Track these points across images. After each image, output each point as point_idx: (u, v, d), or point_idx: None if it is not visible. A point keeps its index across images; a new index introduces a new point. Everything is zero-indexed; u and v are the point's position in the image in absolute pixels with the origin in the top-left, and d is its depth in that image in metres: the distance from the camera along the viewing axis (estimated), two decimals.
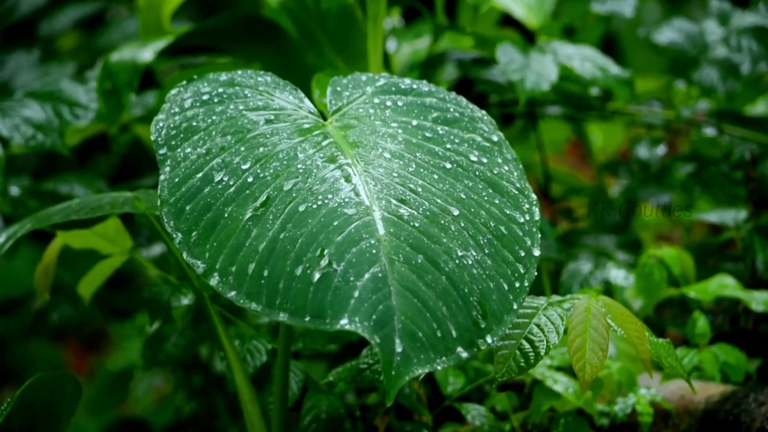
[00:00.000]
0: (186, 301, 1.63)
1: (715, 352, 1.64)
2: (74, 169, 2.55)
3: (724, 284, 1.74)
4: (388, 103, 1.41)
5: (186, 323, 1.80)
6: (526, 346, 1.30)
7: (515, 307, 1.25)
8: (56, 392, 1.45)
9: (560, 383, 1.54)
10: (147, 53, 1.88)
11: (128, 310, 2.52)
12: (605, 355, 1.28)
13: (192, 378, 2.17)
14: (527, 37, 2.28)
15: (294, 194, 1.25)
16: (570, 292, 1.85)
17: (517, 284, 1.26)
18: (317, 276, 1.19)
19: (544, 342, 1.30)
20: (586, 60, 1.99)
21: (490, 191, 1.33)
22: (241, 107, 1.36)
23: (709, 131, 2.19)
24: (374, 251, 1.20)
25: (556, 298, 1.37)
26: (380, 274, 1.18)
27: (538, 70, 1.93)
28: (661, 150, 2.32)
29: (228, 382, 2.04)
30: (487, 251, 1.26)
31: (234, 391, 1.52)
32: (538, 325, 1.31)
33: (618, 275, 1.86)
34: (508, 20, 2.40)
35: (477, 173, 1.34)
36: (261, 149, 1.31)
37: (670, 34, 2.14)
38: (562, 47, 2.01)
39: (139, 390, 2.56)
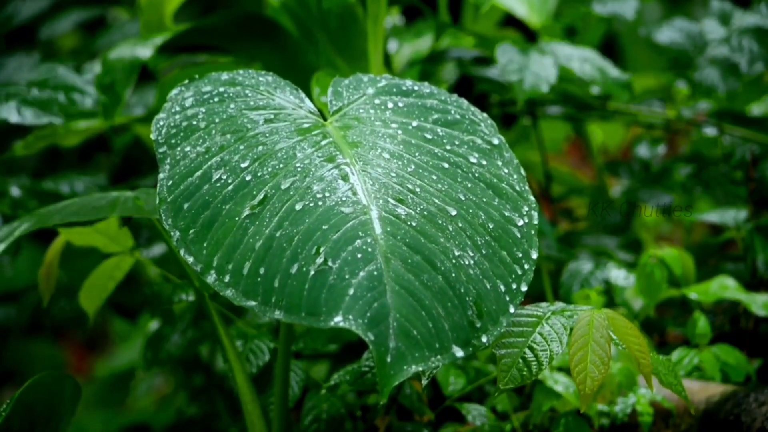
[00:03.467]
0: (187, 297, 1.63)
1: (716, 353, 1.64)
2: (75, 168, 2.55)
3: (725, 286, 1.74)
4: (389, 104, 1.41)
5: (186, 323, 1.80)
6: (529, 354, 1.30)
7: (511, 309, 1.25)
8: (56, 393, 1.45)
9: (561, 383, 1.54)
10: (145, 49, 1.88)
11: (130, 310, 2.52)
12: (607, 369, 1.28)
13: (193, 378, 2.17)
14: (529, 38, 2.28)
15: (291, 192, 1.25)
16: (570, 291, 1.85)
17: (514, 286, 1.26)
18: (312, 273, 1.19)
19: (547, 351, 1.30)
20: (585, 61, 1.99)
21: (489, 193, 1.32)
22: (241, 106, 1.36)
23: (710, 131, 2.19)
24: (370, 249, 1.20)
25: (559, 305, 1.37)
26: (376, 273, 1.18)
27: (537, 70, 1.92)
28: (661, 150, 2.32)
29: (228, 382, 2.04)
30: (484, 252, 1.26)
31: (234, 391, 1.52)
32: (541, 334, 1.31)
33: (618, 275, 1.86)
34: (510, 21, 2.40)
35: (476, 175, 1.34)
36: (260, 148, 1.31)
37: (670, 33, 2.14)
38: (562, 48, 2.01)
39: (139, 390, 2.56)
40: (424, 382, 1.36)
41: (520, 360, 1.29)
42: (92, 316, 1.70)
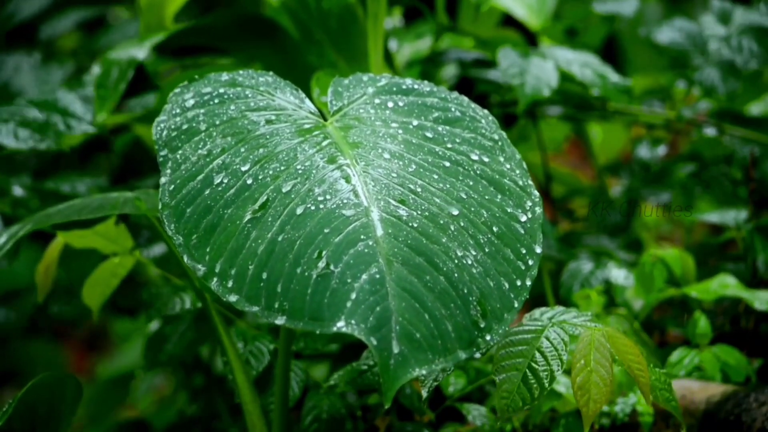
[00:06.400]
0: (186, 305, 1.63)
1: (716, 353, 1.64)
2: (75, 169, 2.55)
3: (726, 284, 1.74)
4: (389, 104, 1.41)
5: (187, 324, 1.80)
6: (530, 376, 1.30)
7: (516, 305, 1.24)
8: (57, 393, 1.45)
9: (561, 384, 1.54)
10: (142, 49, 1.89)
11: (129, 309, 2.52)
12: (609, 390, 1.28)
13: (193, 378, 2.17)
14: (528, 38, 2.28)
15: (293, 196, 1.25)
16: (571, 291, 1.85)
17: (519, 282, 1.26)
18: (315, 278, 1.18)
19: (548, 372, 1.30)
20: (585, 66, 1.99)
21: (492, 190, 1.32)
22: (242, 107, 1.36)
23: (710, 131, 2.19)
24: (372, 252, 1.19)
25: (559, 309, 1.36)
26: (378, 276, 1.18)
27: (538, 75, 1.93)
28: (661, 150, 2.32)
29: (229, 383, 2.04)
30: (487, 250, 1.26)
31: (235, 391, 1.51)
32: (540, 351, 1.31)
33: (619, 275, 1.86)
34: (509, 20, 2.39)
35: (478, 172, 1.33)
36: (261, 150, 1.30)
37: (670, 33, 2.14)
38: (563, 52, 2.01)
39: (139, 390, 2.56)
40: (425, 393, 1.36)
41: (521, 384, 1.29)
42: (96, 312, 1.71)
